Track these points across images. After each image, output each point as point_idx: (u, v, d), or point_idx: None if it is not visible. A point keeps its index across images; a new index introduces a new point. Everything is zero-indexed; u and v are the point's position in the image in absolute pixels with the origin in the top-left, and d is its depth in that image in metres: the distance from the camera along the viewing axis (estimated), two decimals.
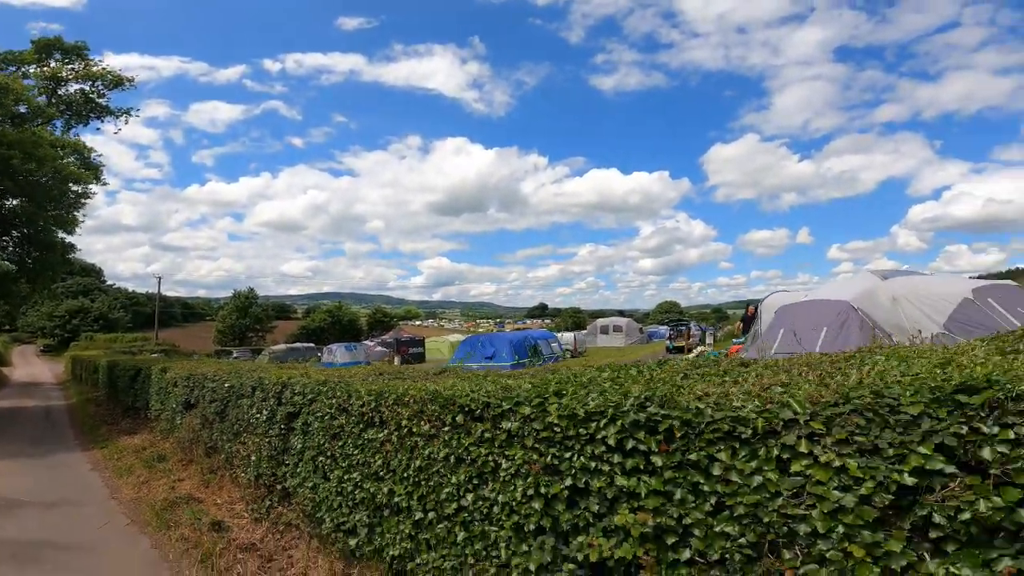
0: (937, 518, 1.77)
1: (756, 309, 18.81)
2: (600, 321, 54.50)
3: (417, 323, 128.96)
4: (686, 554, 2.13)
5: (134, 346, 44.14)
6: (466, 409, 3.02)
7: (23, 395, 23.20)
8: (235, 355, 39.13)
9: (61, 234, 20.99)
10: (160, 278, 54.09)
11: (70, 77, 24.90)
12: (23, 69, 23.84)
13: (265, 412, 5.52)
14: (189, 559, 5.04)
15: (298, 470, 4.74)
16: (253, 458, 5.65)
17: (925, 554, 1.78)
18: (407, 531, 3.37)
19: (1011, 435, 1.71)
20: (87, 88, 25.47)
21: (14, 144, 16.17)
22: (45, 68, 24.31)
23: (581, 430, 2.44)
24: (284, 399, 5.22)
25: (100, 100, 25.84)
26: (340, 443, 4.14)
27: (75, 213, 20.88)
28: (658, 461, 2.21)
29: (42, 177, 17.57)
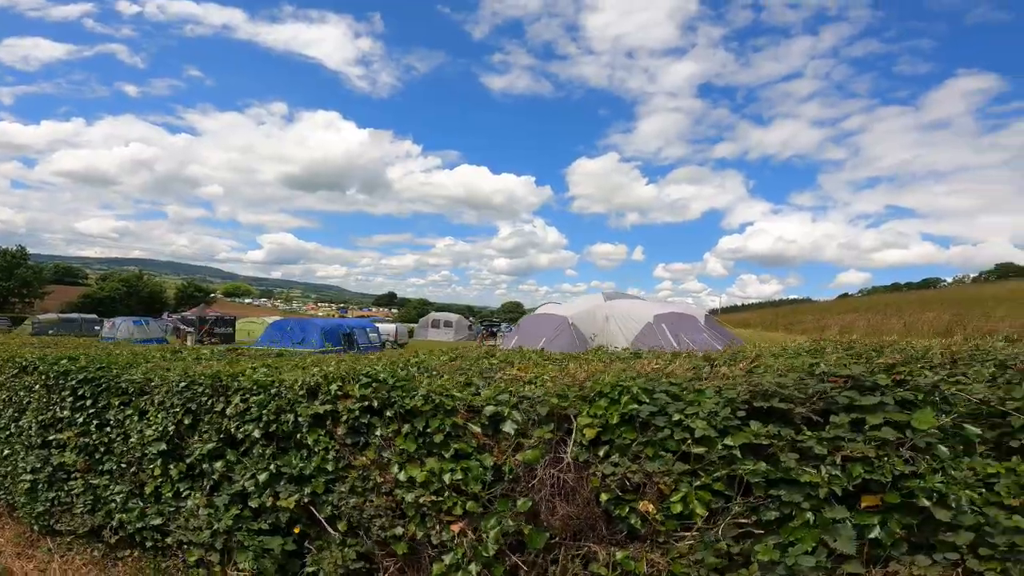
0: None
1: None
2: (432, 315, 56.33)
3: (247, 301, 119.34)
4: (109, 465, 3.60)
5: None
6: (22, 365, 4.28)
7: None
8: None
9: None
10: None
11: None
12: None
13: None
14: None
15: None
16: None
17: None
18: None
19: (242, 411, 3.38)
20: None
21: None
22: None
23: (61, 380, 3.85)
24: None
25: None
26: None
27: None
28: (88, 403, 3.69)
29: None
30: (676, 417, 2.01)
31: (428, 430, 2.40)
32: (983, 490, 1.90)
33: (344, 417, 2.63)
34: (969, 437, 1.95)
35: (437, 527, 2.26)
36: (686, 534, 1.97)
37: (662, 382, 2.16)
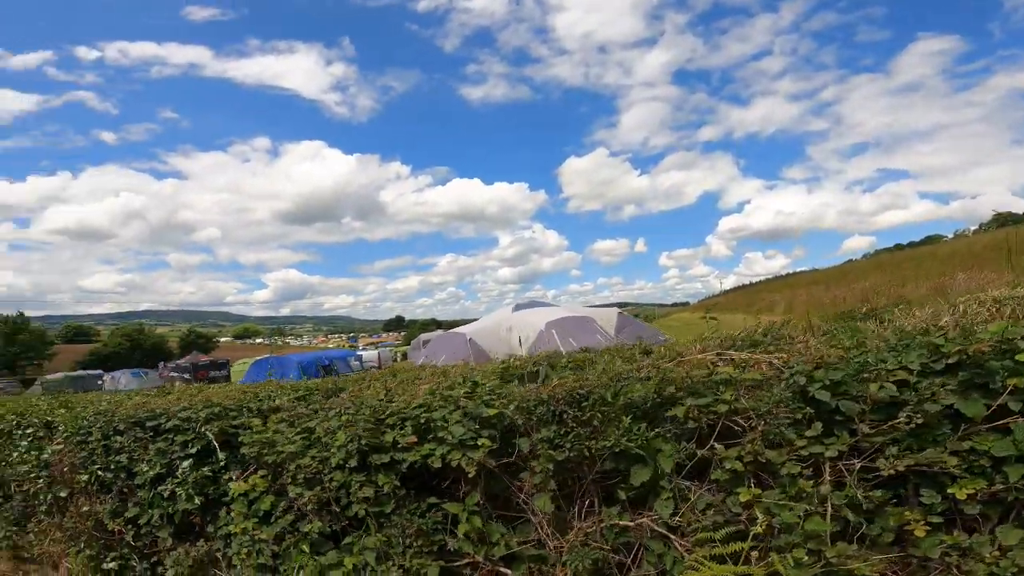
0: None
1: None
2: (422, 335, 58.03)
3: (257, 341, 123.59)
4: None
5: None
6: None
7: None
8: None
9: None
10: None
11: None
12: None
13: None
14: None
15: None
16: None
17: None
18: None
19: None
20: None
21: None
22: None
23: None
24: None
25: None
26: None
27: None
28: None
29: None
30: None
31: None
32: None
33: None
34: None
35: None
36: None
37: None
